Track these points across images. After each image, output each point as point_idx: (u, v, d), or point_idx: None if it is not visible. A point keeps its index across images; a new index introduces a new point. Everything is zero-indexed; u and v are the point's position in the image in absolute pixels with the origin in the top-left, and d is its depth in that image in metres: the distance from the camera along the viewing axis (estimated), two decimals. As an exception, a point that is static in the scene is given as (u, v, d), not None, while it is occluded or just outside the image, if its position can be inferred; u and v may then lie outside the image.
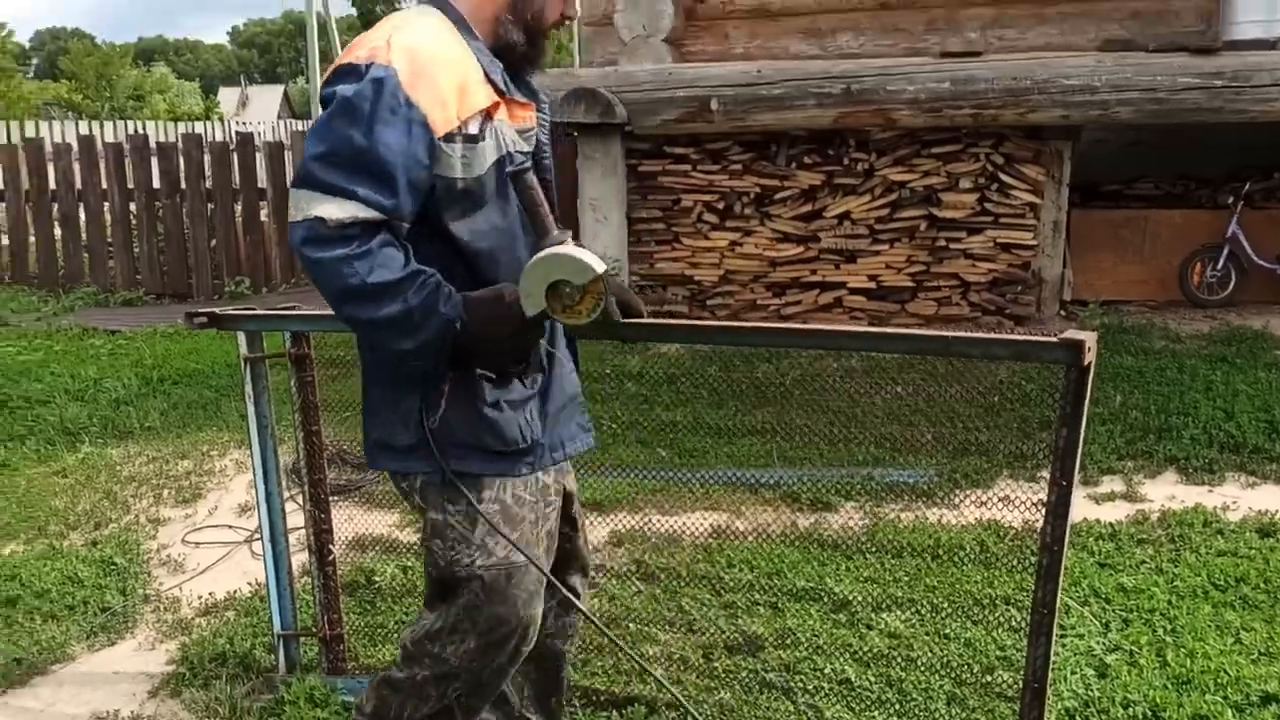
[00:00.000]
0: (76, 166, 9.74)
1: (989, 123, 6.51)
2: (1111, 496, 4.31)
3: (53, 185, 9.74)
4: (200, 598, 3.75)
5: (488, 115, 2.02)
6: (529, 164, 2.10)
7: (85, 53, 52.42)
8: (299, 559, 3.25)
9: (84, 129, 17.80)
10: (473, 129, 1.99)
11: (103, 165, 9.68)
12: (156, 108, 41.98)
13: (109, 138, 15.39)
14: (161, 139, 11.65)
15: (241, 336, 2.84)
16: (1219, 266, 6.92)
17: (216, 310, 2.65)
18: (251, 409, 2.90)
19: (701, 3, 7.70)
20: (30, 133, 15.99)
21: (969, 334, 2.06)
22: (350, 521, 4.09)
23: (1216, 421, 4.88)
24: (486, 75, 2.04)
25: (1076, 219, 7.02)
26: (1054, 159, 6.73)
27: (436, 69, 1.95)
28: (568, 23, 2.21)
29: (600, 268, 1.96)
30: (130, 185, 9.63)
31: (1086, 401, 1.96)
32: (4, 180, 9.78)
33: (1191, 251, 7.00)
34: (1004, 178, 6.68)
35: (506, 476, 2.13)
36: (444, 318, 1.96)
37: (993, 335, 2.05)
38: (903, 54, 7.29)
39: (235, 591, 3.77)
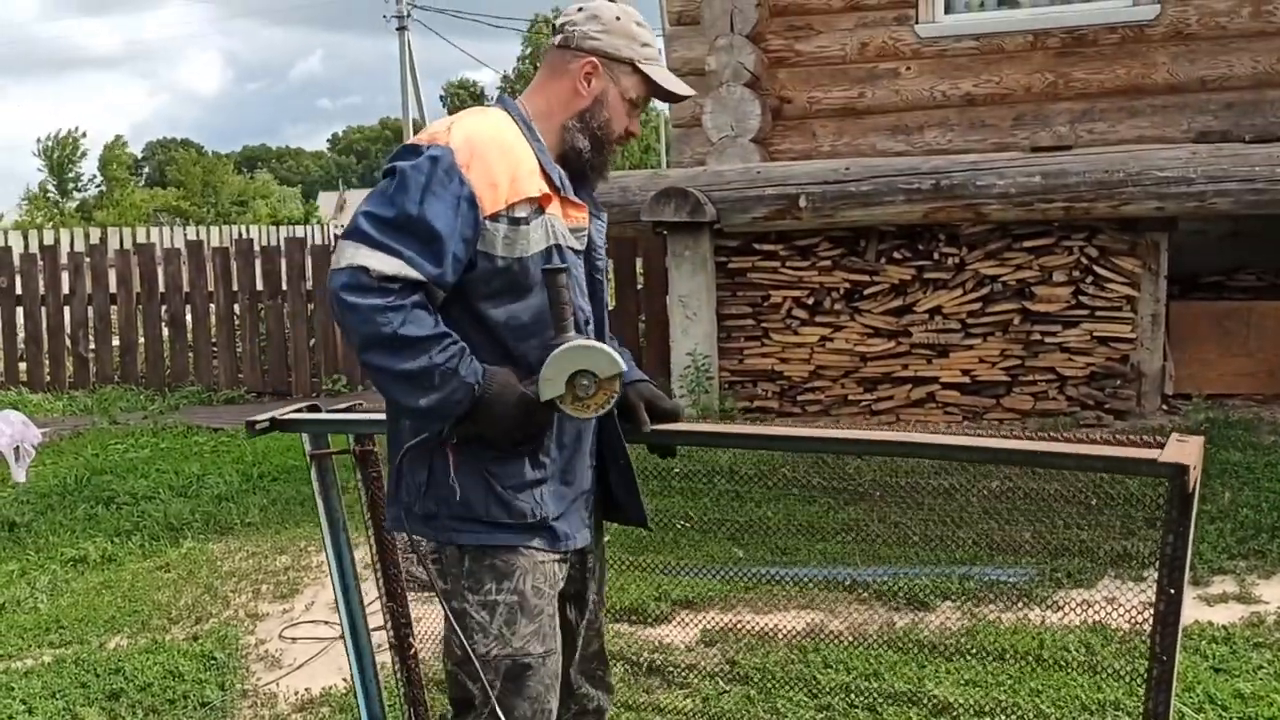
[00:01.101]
0: (184, 270, 10.13)
1: (1081, 215, 6.46)
2: (1224, 598, 4.14)
3: (161, 288, 10.13)
4: (296, 693, 3.79)
5: (540, 207, 2.13)
6: (566, 265, 2.15)
7: (192, 161, 54.83)
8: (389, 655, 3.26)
9: (191, 234, 18.52)
10: (519, 213, 2.10)
11: (209, 268, 10.05)
12: (259, 212, 43.58)
13: (215, 242, 15.98)
14: (264, 242, 12.04)
15: (305, 437, 2.87)
16: (1328, 358, 6.70)
17: (276, 414, 2.68)
18: (321, 505, 2.91)
19: (788, 103, 7.82)
20: (141, 238, 16.67)
21: (1059, 447, 1.95)
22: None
23: (1333, 519, 4.69)
24: (543, 170, 2.16)
25: (1176, 311, 6.88)
26: (1150, 251, 6.63)
27: (490, 153, 2.09)
28: (630, 140, 2.33)
29: (624, 367, 2.07)
30: (235, 287, 9.98)
31: (1194, 513, 1.87)
32: (116, 284, 10.19)
33: (1298, 343, 6.79)
34: (1099, 270, 6.59)
35: (524, 554, 2.16)
36: (462, 380, 2.03)
37: (1085, 450, 1.94)
38: (991, 149, 7.30)
39: (330, 687, 3.80)
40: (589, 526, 2.32)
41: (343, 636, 3.05)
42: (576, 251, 2.23)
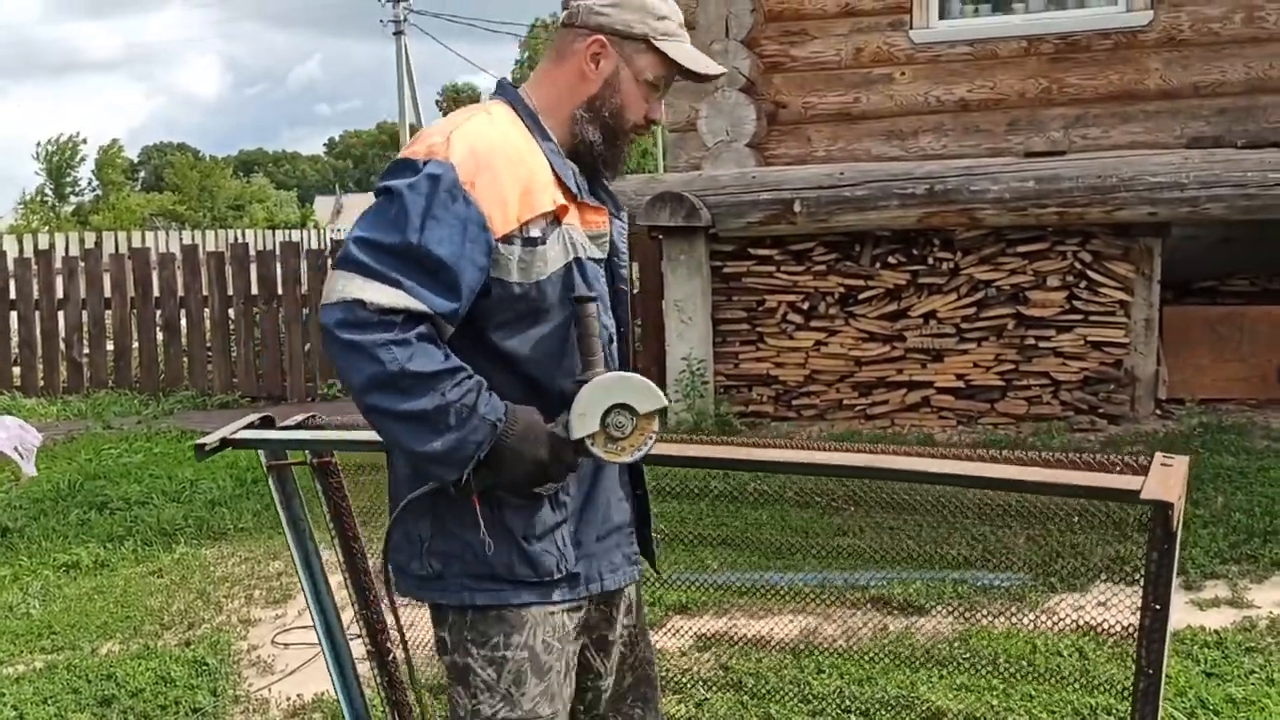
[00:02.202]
0: (179, 274, 10.11)
1: (1075, 221, 6.47)
2: (1216, 602, 4.14)
3: (156, 292, 10.11)
4: (289, 699, 3.78)
5: (555, 219, 1.91)
6: (595, 294, 1.94)
7: (188, 165, 54.74)
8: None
9: (187, 238, 18.50)
10: (534, 231, 1.88)
11: (204, 273, 10.03)
12: (255, 216, 43.56)
13: (210, 246, 15.95)
14: (260, 247, 11.98)
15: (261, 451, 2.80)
16: (1321, 363, 6.72)
17: (226, 434, 2.53)
18: (284, 515, 2.85)
19: (783, 108, 7.83)
20: (137, 242, 16.65)
21: (1039, 474, 1.86)
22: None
23: (1326, 524, 4.70)
24: (556, 176, 1.94)
25: (1170, 316, 6.90)
26: (1143, 256, 6.64)
27: (498, 167, 1.86)
28: (652, 127, 2.08)
29: (666, 402, 1.86)
30: (230, 292, 9.96)
31: (1178, 533, 1.84)
32: (111, 288, 10.17)
33: (1291, 348, 6.81)
34: (1092, 275, 6.60)
35: (537, 606, 1.96)
36: (482, 418, 1.80)
37: (1066, 478, 1.87)
38: (985, 154, 7.30)
39: (323, 693, 3.79)
40: (631, 563, 2.09)
41: (319, 642, 3.03)
42: (599, 260, 2.00)
